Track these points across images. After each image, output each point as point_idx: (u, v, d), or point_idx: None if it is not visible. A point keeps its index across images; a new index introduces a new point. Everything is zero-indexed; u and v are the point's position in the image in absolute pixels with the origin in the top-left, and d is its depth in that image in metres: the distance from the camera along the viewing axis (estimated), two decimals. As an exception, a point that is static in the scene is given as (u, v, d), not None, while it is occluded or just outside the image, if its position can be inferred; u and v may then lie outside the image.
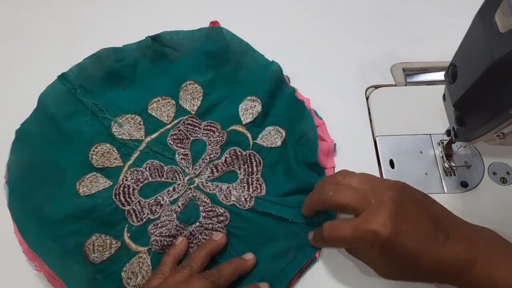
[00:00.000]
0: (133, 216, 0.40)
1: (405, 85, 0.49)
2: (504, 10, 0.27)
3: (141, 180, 0.42)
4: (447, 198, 0.41)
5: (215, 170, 0.43)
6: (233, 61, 0.48)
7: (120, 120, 0.44)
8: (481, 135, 0.34)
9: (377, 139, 0.45)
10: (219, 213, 0.40)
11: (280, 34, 0.53)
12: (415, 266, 0.31)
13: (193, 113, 0.46)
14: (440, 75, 0.49)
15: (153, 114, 0.45)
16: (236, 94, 0.47)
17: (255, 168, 0.43)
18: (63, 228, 0.38)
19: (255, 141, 0.45)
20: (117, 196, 0.40)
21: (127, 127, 0.44)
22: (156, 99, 0.46)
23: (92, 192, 0.41)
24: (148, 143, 0.44)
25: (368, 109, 0.48)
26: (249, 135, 0.45)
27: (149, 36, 0.48)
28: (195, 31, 0.50)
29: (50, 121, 0.43)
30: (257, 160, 0.43)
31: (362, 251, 0.35)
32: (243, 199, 0.41)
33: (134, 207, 0.40)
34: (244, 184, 0.42)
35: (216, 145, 0.44)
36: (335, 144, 0.44)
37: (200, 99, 0.46)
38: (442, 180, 0.42)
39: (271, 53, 0.48)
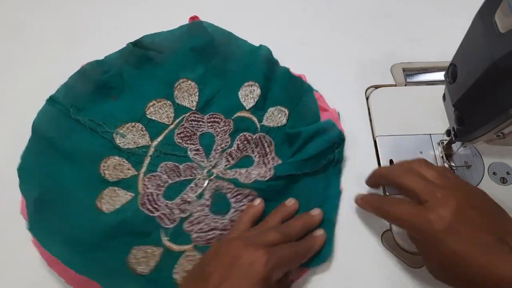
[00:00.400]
0: (165, 220, 0.40)
1: (405, 85, 0.49)
2: (504, 10, 0.27)
3: (161, 184, 0.42)
4: (447, 198, 0.41)
5: (230, 158, 0.44)
6: (220, 53, 0.49)
7: (122, 131, 0.44)
8: (481, 135, 0.34)
9: (377, 139, 0.45)
10: (246, 194, 0.41)
11: (280, 34, 0.53)
12: (461, 270, 0.30)
13: (194, 109, 0.46)
14: (440, 75, 0.49)
15: (153, 118, 0.45)
16: (231, 84, 0.47)
17: (267, 149, 0.44)
18: (103, 251, 0.37)
19: (261, 123, 0.46)
20: (144, 206, 0.40)
21: (131, 136, 0.44)
22: (151, 103, 0.46)
23: (116, 207, 0.40)
24: (156, 147, 0.44)
25: (368, 109, 0.48)
26: (254, 119, 0.46)
27: (130, 43, 0.47)
28: (175, 30, 0.50)
29: (49, 146, 0.42)
30: (268, 141, 0.44)
31: (417, 240, 0.34)
32: (263, 173, 0.42)
33: (163, 211, 0.40)
34: (261, 165, 0.43)
35: (225, 134, 0.45)
36: (338, 113, 0.46)
37: (197, 94, 0.47)
38: (442, 180, 0.42)
39: (271, 53, 0.48)
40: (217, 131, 0.45)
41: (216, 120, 0.46)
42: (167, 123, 0.45)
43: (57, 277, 0.37)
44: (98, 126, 0.44)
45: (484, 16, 0.29)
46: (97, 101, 0.45)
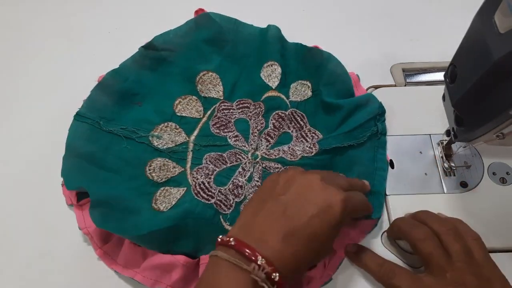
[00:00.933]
0: (222, 206, 0.40)
1: (405, 85, 0.49)
2: (503, 10, 0.27)
3: (210, 174, 0.42)
4: (447, 198, 0.41)
5: (269, 138, 0.45)
6: (231, 40, 0.49)
7: (156, 133, 0.44)
8: (481, 135, 0.34)
9: (377, 139, 0.45)
10: None
11: (280, 34, 0.53)
12: None
13: (222, 98, 0.47)
14: (440, 75, 0.49)
15: (184, 114, 0.46)
16: (249, 67, 0.48)
17: (301, 122, 0.45)
18: (176, 246, 0.37)
19: (289, 99, 0.47)
20: (199, 195, 0.40)
21: (167, 136, 0.44)
22: (177, 101, 0.46)
23: (173, 203, 0.40)
24: (194, 141, 0.44)
25: (368, 109, 0.48)
26: (283, 96, 0.47)
27: (142, 46, 0.48)
28: (182, 26, 0.50)
29: (91, 162, 0.41)
30: (300, 115, 0.46)
31: None
32: (307, 148, 0.43)
33: (218, 197, 0.40)
34: (301, 139, 0.44)
35: (258, 116, 0.46)
36: (357, 75, 0.48)
37: (220, 84, 0.47)
38: (442, 180, 0.42)
39: (271, 53, 0.48)
40: (248, 115, 0.46)
41: (245, 105, 0.46)
42: (199, 116, 0.46)
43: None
44: (132, 133, 0.43)
45: (484, 17, 0.29)
46: (123, 110, 0.45)
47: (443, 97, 0.37)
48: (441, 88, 0.37)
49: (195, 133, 0.45)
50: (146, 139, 0.43)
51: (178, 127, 0.45)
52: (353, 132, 0.42)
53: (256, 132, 0.45)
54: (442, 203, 0.40)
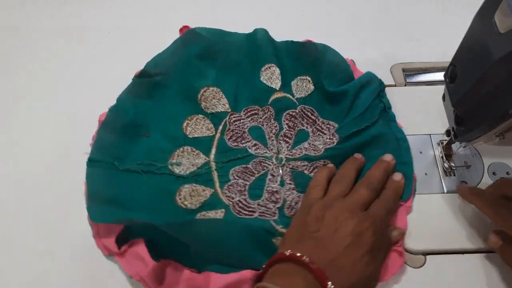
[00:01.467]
0: (267, 215, 0.40)
1: (405, 85, 0.49)
2: (503, 10, 0.27)
3: (243, 190, 0.41)
4: (447, 198, 0.41)
5: (287, 139, 0.44)
6: (221, 51, 0.49)
7: (174, 160, 0.42)
8: (481, 135, 0.34)
9: (377, 139, 0.45)
10: (321, 164, 0.42)
11: (280, 34, 0.53)
12: None
13: (229, 110, 0.46)
14: (440, 75, 0.49)
15: (195, 135, 0.44)
16: (246, 74, 0.48)
17: (313, 117, 0.46)
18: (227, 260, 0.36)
19: (295, 97, 0.47)
20: (241, 213, 0.40)
21: (186, 161, 0.43)
22: (185, 124, 0.45)
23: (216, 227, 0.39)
24: (215, 160, 0.43)
25: (368, 109, 0.48)
26: (289, 95, 0.47)
27: (135, 76, 0.47)
28: (170, 47, 0.49)
29: (118, 206, 0.39)
30: (309, 110, 0.46)
31: None
32: (328, 140, 0.43)
33: (259, 210, 0.40)
34: (318, 133, 0.44)
35: (270, 120, 0.45)
36: (353, 60, 0.49)
37: (224, 96, 0.47)
38: (442, 180, 0.42)
39: (271, 53, 0.48)
40: (260, 121, 0.45)
41: (254, 111, 0.46)
42: (211, 134, 0.45)
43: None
44: (150, 166, 0.42)
45: (484, 16, 0.29)
46: (133, 145, 0.43)
47: (443, 97, 0.37)
48: (441, 88, 0.37)
49: (213, 151, 0.43)
50: (166, 169, 0.42)
51: (194, 149, 0.43)
52: (365, 114, 0.43)
53: (272, 136, 0.45)
54: (442, 203, 0.40)
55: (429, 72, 0.50)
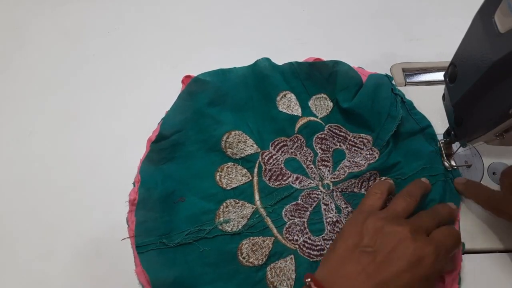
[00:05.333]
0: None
1: (405, 85, 0.49)
2: (503, 10, 0.27)
3: (302, 228, 0.39)
4: (447, 198, 0.41)
5: (325, 163, 0.43)
6: (229, 92, 0.47)
7: (221, 219, 0.40)
8: (481, 135, 0.34)
9: (377, 139, 0.45)
10: (368, 177, 0.41)
11: (280, 34, 0.53)
12: None
13: (259, 151, 0.44)
14: (440, 75, 0.49)
15: (233, 186, 0.42)
16: (260, 108, 0.46)
17: (342, 133, 0.45)
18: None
19: (318, 118, 0.46)
20: (311, 255, 0.38)
21: (233, 215, 0.40)
22: (217, 177, 0.42)
23: (293, 277, 0.37)
24: (262, 205, 0.41)
25: (368, 109, 0.48)
26: (313, 118, 0.45)
27: (152, 142, 0.43)
28: (177, 101, 0.46)
29: (185, 286, 0.37)
30: (336, 127, 0.45)
31: None
32: (369, 156, 0.43)
33: (326, 244, 0.38)
34: (353, 148, 0.44)
35: (302, 149, 0.44)
36: (361, 67, 0.49)
37: (249, 137, 0.44)
38: (442, 180, 0.42)
39: (271, 53, 0.48)
40: (292, 152, 0.44)
41: (282, 144, 0.44)
42: (249, 180, 0.42)
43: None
44: (200, 233, 0.39)
45: (484, 16, 0.29)
46: (174, 215, 0.40)
47: (443, 97, 0.37)
48: (441, 88, 0.37)
49: (257, 197, 0.41)
50: (217, 230, 0.39)
51: (237, 200, 0.41)
52: (391, 113, 0.43)
53: (310, 164, 0.43)
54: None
55: (429, 72, 0.50)
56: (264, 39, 0.50)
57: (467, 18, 0.31)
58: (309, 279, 0.30)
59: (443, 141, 0.42)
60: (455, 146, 0.42)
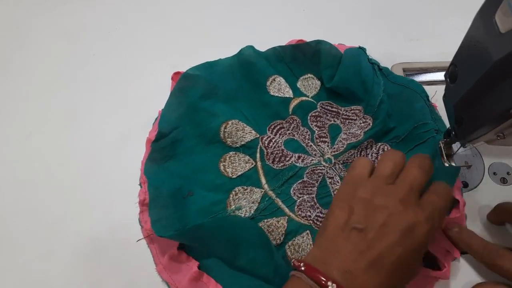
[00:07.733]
0: None
1: (405, 85, 0.49)
2: (504, 10, 0.27)
3: (313, 204, 0.40)
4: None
5: (323, 139, 0.45)
6: (218, 84, 0.47)
7: (232, 207, 0.40)
8: (481, 135, 0.34)
9: (377, 139, 0.45)
10: (366, 146, 0.43)
11: (280, 34, 0.53)
12: None
13: (258, 136, 0.44)
14: (440, 75, 0.49)
15: (239, 173, 0.42)
16: (251, 95, 0.47)
17: (334, 109, 0.46)
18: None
19: (310, 97, 0.47)
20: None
21: (244, 202, 0.41)
22: (221, 167, 0.43)
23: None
24: (270, 188, 0.41)
25: (368, 109, 0.48)
26: (304, 98, 0.47)
27: (152, 142, 0.43)
28: (170, 98, 0.46)
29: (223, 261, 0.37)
30: (327, 104, 0.47)
31: None
32: (363, 124, 0.45)
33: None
34: (347, 121, 0.46)
35: (299, 129, 0.45)
36: (364, 48, 0.50)
37: (246, 125, 0.45)
38: (442, 180, 0.42)
39: (271, 53, 0.48)
40: (289, 133, 0.45)
41: (278, 126, 0.45)
42: (252, 166, 0.43)
43: None
44: (215, 220, 0.39)
45: (484, 16, 0.29)
46: (185, 211, 0.40)
47: (444, 96, 0.37)
48: (441, 88, 0.37)
49: (263, 181, 0.42)
50: (229, 221, 0.38)
51: (245, 187, 0.42)
52: (375, 80, 0.45)
53: (309, 142, 0.44)
54: (442, 203, 0.40)
55: (429, 72, 0.50)
56: (264, 39, 0.50)
57: (467, 18, 0.31)
58: (301, 263, 0.30)
59: (443, 141, 0.42)
60: (455, 146, 0.42)
